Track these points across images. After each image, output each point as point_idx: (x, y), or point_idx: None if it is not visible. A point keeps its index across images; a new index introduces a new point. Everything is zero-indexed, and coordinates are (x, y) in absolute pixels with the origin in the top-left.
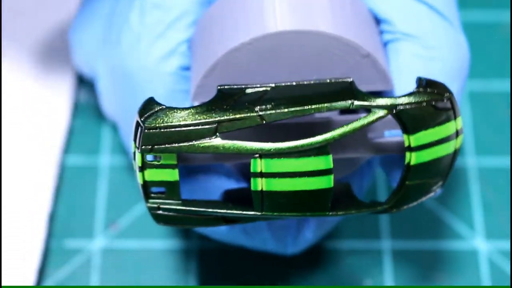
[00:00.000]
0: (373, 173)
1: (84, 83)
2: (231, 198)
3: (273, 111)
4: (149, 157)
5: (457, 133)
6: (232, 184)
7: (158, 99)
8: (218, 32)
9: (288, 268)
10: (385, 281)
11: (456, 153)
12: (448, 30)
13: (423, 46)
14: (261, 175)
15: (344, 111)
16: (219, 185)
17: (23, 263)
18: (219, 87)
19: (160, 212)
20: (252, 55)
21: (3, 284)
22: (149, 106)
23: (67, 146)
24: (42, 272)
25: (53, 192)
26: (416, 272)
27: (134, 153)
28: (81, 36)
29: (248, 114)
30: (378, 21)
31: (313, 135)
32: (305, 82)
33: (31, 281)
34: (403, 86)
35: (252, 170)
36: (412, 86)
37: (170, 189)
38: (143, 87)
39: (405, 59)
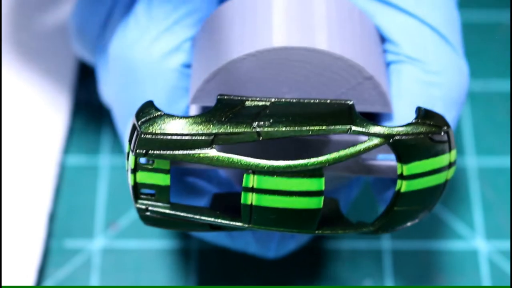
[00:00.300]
0: (361, 184)
1: (84, 83)
2: (219, 201)
3: (271, 129)
4: (142, 160)
5: (450, 165)
6: (220, 190)
7: (158, 94)
8: (224, 38)
9: (288, 268)
10: (385, 281)
11: (446, 183)
12: (451, 56)
13: (426, 71)
14: (252, 190)
15: None
16: (208, 190)
17: (23, 263)
18: (219, 97)
19: (148, 213)
20: (255, 66)
21: (3, 284)
22: (146, 110)
23: (67, 146)
24: (42, 272)
25: (53, 192)
26: (416, 272)
27: (128, 153)
28: (83, 20)
29: (246, 130)
30: (382, 39)
31: (309, 151)
32: (305, 101)
33: (31, 281)
34: (402, 110)
35: (244, 185)
36: (411, 111)
37: (160, 193)
38: (144, 80)
39: (407, 83)
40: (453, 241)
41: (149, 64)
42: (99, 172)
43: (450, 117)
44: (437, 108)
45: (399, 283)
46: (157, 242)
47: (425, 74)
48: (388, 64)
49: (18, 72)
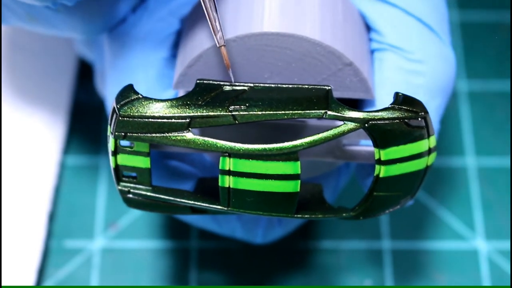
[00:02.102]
0: (350, 172)
1: (84, 83)
2: (203, 186)
3: (246, 113)
4: (123, 142)
5: (429, 151)
6: (204, 175)
7: (148, 81)
8: (207, 24)
9: (288, 268)
10: (385, 281)
11: (427, 169)
12: (436, 44)
13: (409, 59)
14: (229, 173)
15: None
16: (193, 174)
17: (23, 263)
18: (198, 81)
19: (130, 196)
20: (236, 52)
21: (3, 284)
22: (126, 94)
23: (67, 146)
24: (42, 272)
25: (53, 192)
26: (416, 272)
27: (109, 136)
28: None
29: (222, 113)
30: (368, 27)
31: (287, 136)
32: (284, 86)
33: (31, 281)
34: (384, 98)
35: (220, 167)
36: (392, 99)
37: (141, 175)
38: (136, 68)
39: (389, 71)
40: (453, 241)
41: (142, 52)
42: (99, 172)
43: (434, 105)
44: (420, 96)
45: (399, 283)
46: (157, 242)
47: (408, 63)
48: (372, 52)
49: (18, 72)
